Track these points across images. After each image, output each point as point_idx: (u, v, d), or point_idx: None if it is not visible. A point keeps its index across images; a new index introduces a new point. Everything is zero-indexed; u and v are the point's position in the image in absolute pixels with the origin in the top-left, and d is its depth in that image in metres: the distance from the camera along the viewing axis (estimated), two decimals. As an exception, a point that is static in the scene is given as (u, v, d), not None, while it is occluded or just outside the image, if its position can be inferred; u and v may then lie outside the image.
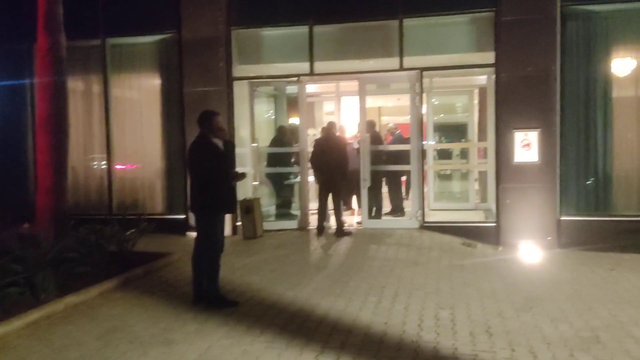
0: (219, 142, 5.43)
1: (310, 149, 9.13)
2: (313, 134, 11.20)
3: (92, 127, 9.95)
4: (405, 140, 9.62)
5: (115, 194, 9.86)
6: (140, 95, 9.84)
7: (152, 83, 9.74)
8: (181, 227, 9.15)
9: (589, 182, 8.11)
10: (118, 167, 9.85)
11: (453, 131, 18.36)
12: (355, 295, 5.78)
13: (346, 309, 5.33)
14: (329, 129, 8.86)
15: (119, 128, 9.83)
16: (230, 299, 5.59)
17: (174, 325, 5.01)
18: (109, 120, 9.79)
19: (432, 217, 9.07)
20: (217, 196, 5.34)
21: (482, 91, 11.12)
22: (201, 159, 5.32)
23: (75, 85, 9.76)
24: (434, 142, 11.19)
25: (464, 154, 14.20)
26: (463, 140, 16.46)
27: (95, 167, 10.08)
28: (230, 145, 5.61)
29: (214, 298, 5.46)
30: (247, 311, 5.34)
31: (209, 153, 5.32)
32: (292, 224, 9.21)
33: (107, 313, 5.37)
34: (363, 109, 9.15)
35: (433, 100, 11.11)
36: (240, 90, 9.28)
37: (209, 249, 5.47)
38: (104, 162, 9.90)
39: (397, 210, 10.04)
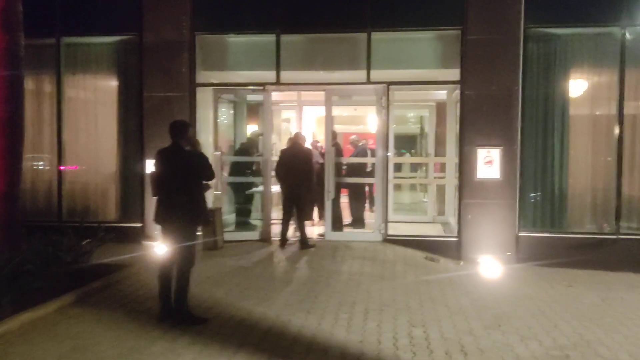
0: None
1: (276, 158, 9.02)
2: (274, 142, 11.09)
3: (42, 127, 9.47)
4: (367, 153, 9.70)
5: (66, 199, 9.42)
6: (95, 97, 9.45)
7: (109, 85, 9.39)
8: (137, 236, 8.88)
9: (532, 197, 8.36)
10: (68, 169, 9.40)
11: (405, 142, 18.78)
12: (326, 311, 5.72)
13: (319, 326, 5.26)
14: (295, 140, 8.78)
15: (72, 130, 9.40)
16: (199, 316, 5.41)
17: (141, 344, 4.80)
18: (60, 122, 9.35)
19: (394, 230, 9.14)
20: (204, 207, 5.36)
21: (440, 106, 11.34)
22: (197, 169, 5.29)
23: (26, 84, 9.23)
24: (392, 155, 11.29)
25: (414, 167, 14.53)
26: (413, 151, 16.85)
27: (43, 169, 9.59)
28: (203, 157, 5.56)
29: (183, 314, 5.27)
30: (217, 329, 5.18)
31: (201, 162, 5.32)
32: (254, 235, 9.06)
33: (67, 331, 5.09)
34: (329, 120, 9.15)
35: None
36: (202, 97, 9.09)
37: (192, 263, 5.34)
38: (53, 165, 9.43)
39: (358, 222, 10.06)
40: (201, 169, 5.31)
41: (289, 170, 8.55)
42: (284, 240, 8.57)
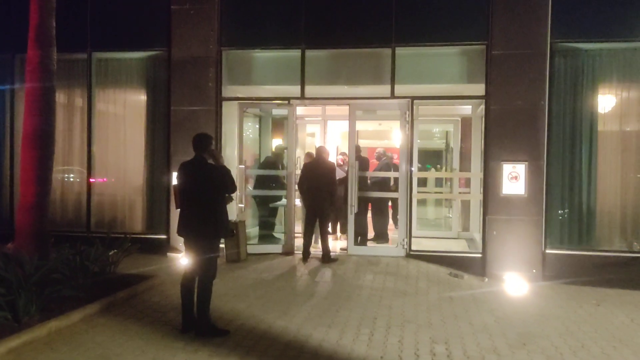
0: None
1: (299, 172, 9.06)
2: (298, 156, 11.14)
3: (72, 140, 9.71)
4: (391, 167, 9.68)
5: (94, 210, 9.59)
6: (124, 111, 9.65)
7: (138, 99, 9.58)
8: (162, 248, 9.00)
9: (560, 214, 8.24)
10: (98, 181, 9.60)
11: (430, 157, 18.69)
12: (347, 326, 5.69)
13: (340, 341, 5.24)
14: (319, 154, 8.81)
15: (101, 143, 9.61)
16: (221, 328, 5.44)
17: (163, 355, 4.84)
18: (90, 134, 9.56)
19: (418, 245, 9.07)
20: (226, 219, 5.40)
21: (465, 121, 11.28)
22: (219, 182, 5.32)
23: (58, 98, 9.48)
24: (416, 169, 11.24)
25: (439, 182, 14.43)
26: (438, 165, 16.74)
27: (73, 181, 9.81)
28: (225, 170, 5.55)
29: (205, 326, 5.30)
30: (239, 341, 5.20)
31: (223, 175, 5.34)
32: (277, 248, 9.08)
33: (92, 340, 5.16)
34: (352, 134, 9.16)
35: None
36: (228, 111, 9.20)
37: (213, 275, 5.38)
38: (82, 177, 9.64)
39: (381, 236, 10.02)
40: (223, 182, 5.34)
41: (311, 184, 8.59)
42: (306, 254, 8.58)
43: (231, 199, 5.69)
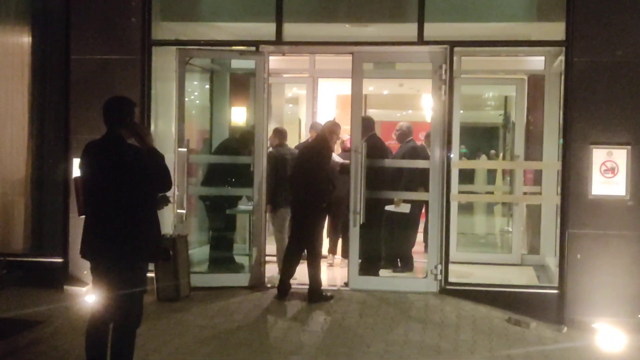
0: None
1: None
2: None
3: None
4: (420, 153, 9.65)
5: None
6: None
7: (16, 43, 9.56)
8: (56, 277, 9.00)
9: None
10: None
11: (479, 138, 18.74)
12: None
13: None
14: (328, 133, 8.85)
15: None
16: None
17: None
18: None
19: (458, 275, 9.06)
20: (157, 233, 5.44)
21: (534, 81, 11.33)
22: (144, 174, 5.30)
23: None
24: (457, 157, 11.23)
25: (492, 176, 14.48)
26: (493, 151, 16.82)
27: None
28: (155, 156, 5.56)
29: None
30: None
31: (151, 163, 5.35)
32: (238, 279, 9.07)
33: None
34: (358, 100, 9.14)
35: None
36: (161, 61, 9.22)
37: (137, 320, 5.37)
38: None
39: (402, 261, 10.09)
40: (149, 175, 5.32)
41: (293, 179, 8.69)
42: (284, 288, 8.56)
43: (167, 202, 5.66)
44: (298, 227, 8.70)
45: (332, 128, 8.95)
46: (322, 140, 8.88)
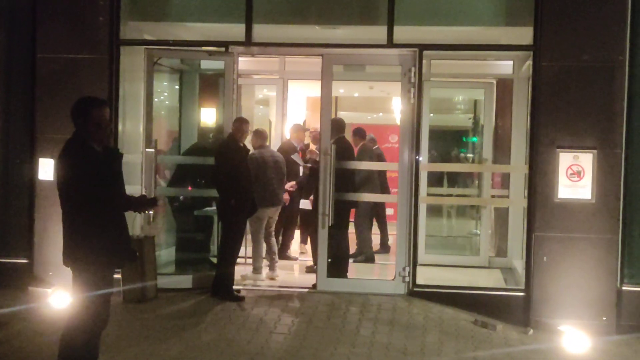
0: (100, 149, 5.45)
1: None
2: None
3: None
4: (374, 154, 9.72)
5: None
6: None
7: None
8: (20, 277, 8.91)
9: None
10: None
11: (448, 140, 18.82)
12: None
13: None
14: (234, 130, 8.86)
15: None
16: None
17: None
18: None
19: (426, 277, 9.10)
20: (106, 237, 5.31)
21: (503, 85, 11.42)
22: (80, 177, 5.20)
23: None
24: (425, 160, 11.24)
25: (461, 180, 14.56)
26: (461, 154, 16.91)
27: None
28: (115, 156, 5.64)
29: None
30: None
31: (99, 167, 5.31)
32: (207, 281, 8.99)
33: None
34: (327, 102, 9.13)
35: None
36: (129, 61, 9.18)
37: (93, 324, 5.32)
38: None
39: (367, 260, 10.14)
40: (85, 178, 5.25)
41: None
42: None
43: (148, 204, 5.65)
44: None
45: (237, 125, 8.90)
46: (228, 139, 8.94)
